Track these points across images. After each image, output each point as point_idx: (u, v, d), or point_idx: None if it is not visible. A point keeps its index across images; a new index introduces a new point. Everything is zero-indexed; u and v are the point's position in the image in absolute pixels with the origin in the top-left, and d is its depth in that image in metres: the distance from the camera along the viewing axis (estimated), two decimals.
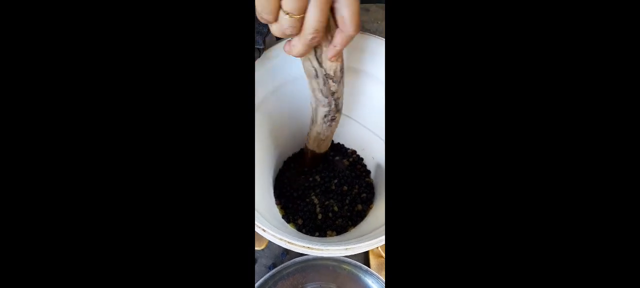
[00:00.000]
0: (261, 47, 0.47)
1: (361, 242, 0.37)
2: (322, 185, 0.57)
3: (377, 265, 0.55)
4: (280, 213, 0.55)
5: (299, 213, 0.54)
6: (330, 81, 0.40)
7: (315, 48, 0.36)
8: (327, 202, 0.55)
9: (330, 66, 0.38)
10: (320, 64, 0.38)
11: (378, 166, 0.57)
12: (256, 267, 0.58)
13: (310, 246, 0.36)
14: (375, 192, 0.56)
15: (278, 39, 0.53)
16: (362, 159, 0.60)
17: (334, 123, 0.48)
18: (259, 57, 0.48)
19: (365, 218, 0.54)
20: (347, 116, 0.58)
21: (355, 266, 0.54)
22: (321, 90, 0.41)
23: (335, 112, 0.46)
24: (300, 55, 0.35)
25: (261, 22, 0.37)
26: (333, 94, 0.42)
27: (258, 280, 0.53)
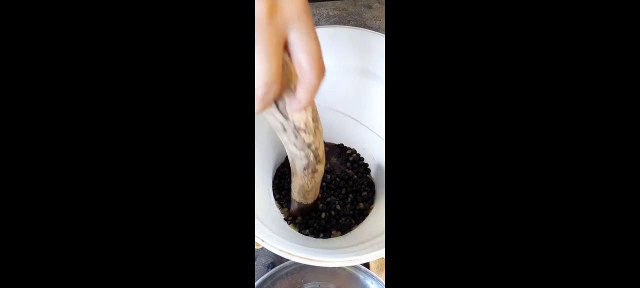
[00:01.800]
0: None
1: (364, 253, 0.36)
2: (323, 184, 0.56)
3: (377, 266, 0.55)
4: (282, 214, 0.54)
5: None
6: (302, 133, 0.34)
7: (276, 101, 0.31)
8: (329, 199, 0.54)
9: (298, 118, 0.33)
10: (285, 117, 0.32)
11: (378, 167, 0.56)
12: (255, 265, 0.58)
13: (310, 257, 0.36)
14: (376, 191, 0.56)
15: None
16: (362, 158, 0.59)
17: (316, 174, 0.43)
18: None
19: (368, 218, 0.53)
20: (348, 116, 0.57)
21: (355, 267, 0.54)
22: (294, 144, 0.36)
23: (315, 163, 0.40)
24: (259, 112, 0.28)
25: None
26: (309, 145, 0.37)
27: (257, 279, 0.53)
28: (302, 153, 0.38)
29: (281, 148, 0.58)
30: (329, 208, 0.53)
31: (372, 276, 0.53)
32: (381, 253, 0.37)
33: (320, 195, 0.53)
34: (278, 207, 0.55)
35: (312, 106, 0.34)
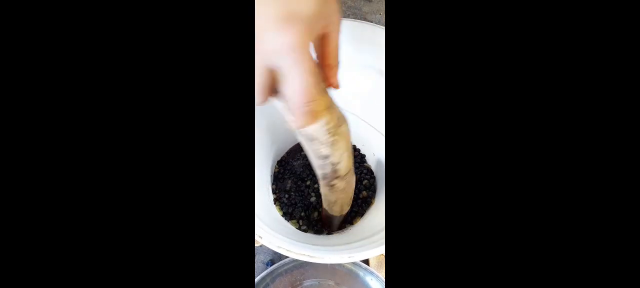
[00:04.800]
0: None
1: (363, 250, 0.36)
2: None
3: (376, 262, 0.55)
4: (279, 212, 0.54)
5: (300, 210, 0.53)
6: (317, 143, 0.33)
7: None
8: None
9: (307, 128, 0.31)
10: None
11: (379, 162, 0.56)
12: (254, 263, 0.58)
13: (309, 254, 0.35)
14: (377, 185, 0.55)
15: None
16: (358, 149, 0.58)
17: (335, 189, 0.41)
18: None
19: (367, 214, 0.53)
20: (347, 111, 0.56)
21: (355, 263, 0.53)
22: (310, 149, 0.35)
23: (332, 178, 0.39)
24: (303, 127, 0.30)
25: None
26: (325, 157, 0.35)
27: (256, 277, 0.53)
28: (319, 163, 0.36)
29: (279, 145, 0.57)
30: None
31: (372, 273, 0.53)
32: (380, 250, 0.36)
33: (348, 214, 0.50)
34: (277, 205, 0.54)
35: (332, 120, 0.32)
